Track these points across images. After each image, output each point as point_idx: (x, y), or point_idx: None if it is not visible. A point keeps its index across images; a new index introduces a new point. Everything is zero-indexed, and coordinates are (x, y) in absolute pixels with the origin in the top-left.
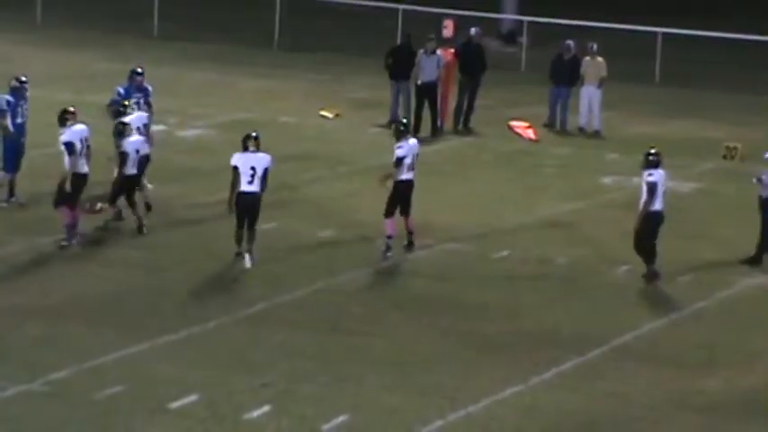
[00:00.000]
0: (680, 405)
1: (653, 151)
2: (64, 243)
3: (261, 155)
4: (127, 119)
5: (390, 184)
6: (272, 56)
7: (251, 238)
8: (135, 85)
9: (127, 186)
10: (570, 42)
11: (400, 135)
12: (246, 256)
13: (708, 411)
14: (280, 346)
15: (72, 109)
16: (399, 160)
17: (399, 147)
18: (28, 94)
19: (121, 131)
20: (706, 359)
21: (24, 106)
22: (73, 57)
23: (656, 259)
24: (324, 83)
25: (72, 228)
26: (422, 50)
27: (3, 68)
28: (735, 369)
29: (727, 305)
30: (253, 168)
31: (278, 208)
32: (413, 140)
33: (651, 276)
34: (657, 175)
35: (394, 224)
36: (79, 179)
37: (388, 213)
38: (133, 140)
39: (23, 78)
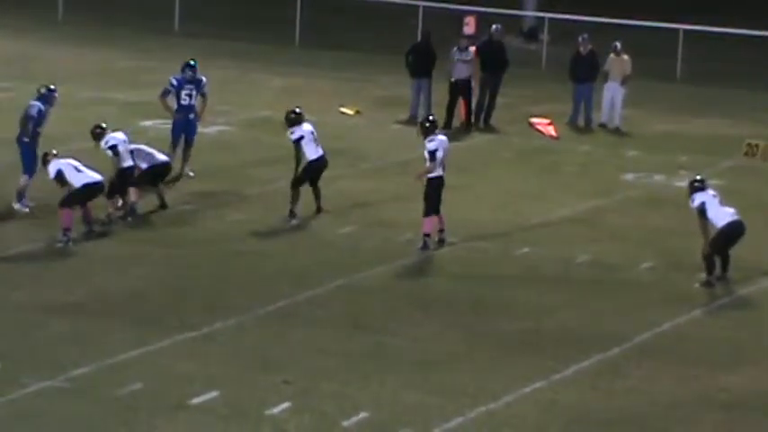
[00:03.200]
0: (703, 403)
1: (698, 178)
2: (59, 243)
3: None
4: (111, 136)
5: (425, 179)
6: (294, 53)
7: (318, 195)
8: (187, 78)
9: (125, 179)
10: (585, 35)
11: (427, 131)
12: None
13: (731, 409)
14: (301, 343)
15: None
16: (432, 153)
17: (430, 141)
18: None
19: (100, 134)
20: (729, 356)
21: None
22: (94, 54)
23: (728, 266)
24: (346, 80)
25: (68, 230)
26: (455, 48)
27: (25, 66)
28: (758, 366)
29: (750, 302)
30: (313, 133)
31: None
32: (442, 136)
33: (706, 284)
34: (700, 197)
35: (433, 222)
36: (90, 189)
37: (429, 212)
38: (116, 135)
39: (53, 87)
